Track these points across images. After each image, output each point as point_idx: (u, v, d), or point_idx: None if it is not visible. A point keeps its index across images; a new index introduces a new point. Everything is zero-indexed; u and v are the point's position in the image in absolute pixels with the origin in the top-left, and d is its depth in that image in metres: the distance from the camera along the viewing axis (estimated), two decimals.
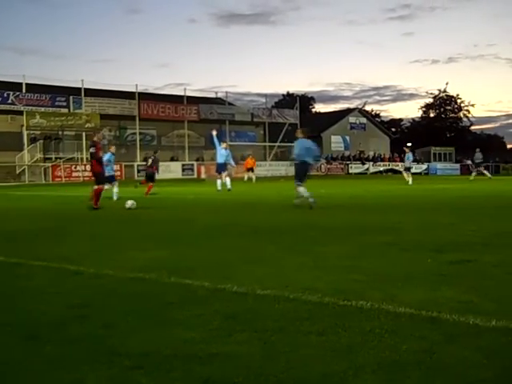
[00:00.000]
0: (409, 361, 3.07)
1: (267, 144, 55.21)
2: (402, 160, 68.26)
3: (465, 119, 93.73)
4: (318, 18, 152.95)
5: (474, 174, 40.08)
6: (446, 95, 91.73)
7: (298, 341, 3.48)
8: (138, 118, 47.29)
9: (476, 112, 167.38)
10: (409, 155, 31.86)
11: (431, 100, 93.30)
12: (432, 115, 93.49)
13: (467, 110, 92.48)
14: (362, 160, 64.42)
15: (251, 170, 39.24)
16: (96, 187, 14.40)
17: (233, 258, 6.70)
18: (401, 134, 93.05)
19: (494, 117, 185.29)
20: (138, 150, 47.02)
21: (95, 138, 16.25)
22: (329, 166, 59.77)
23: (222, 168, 24.48)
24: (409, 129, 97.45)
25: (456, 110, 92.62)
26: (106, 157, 18.73)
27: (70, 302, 4.59)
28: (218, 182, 24.06)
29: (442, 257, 6.32)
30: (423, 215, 11.73)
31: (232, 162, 26.16)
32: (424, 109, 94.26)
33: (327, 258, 6.51)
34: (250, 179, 37.45)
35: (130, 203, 14.18)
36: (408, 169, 31.44)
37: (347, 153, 68.49)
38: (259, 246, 7.67)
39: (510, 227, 9.22)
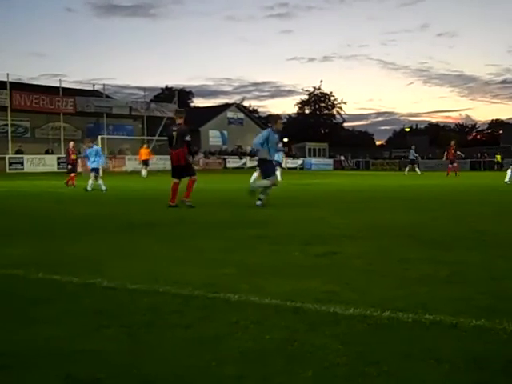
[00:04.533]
0: (271, 349, 3.18)
1: (145, 138, 54.52)
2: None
3: (338, 116, 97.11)
4: (198, 13, 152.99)
5: (416, 169, 41.32)
6: (321, 92, 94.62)
7: (165, 334, 3.50)
8: (9, 109, 45.34)
9: (348, 109, 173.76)
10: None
11: (307, 97, 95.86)
12: (307, 111, 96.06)
13: (340, 108, 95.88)
14: (240, 155, 65.11)
15: (146, 162, 35.43)
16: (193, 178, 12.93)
17: (105, 252, 6.62)
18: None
19: (365, 114, 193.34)
20: (10, 143, 45.15)
21: (179, 121, 13.17)
22: (207, 161, 59.93)
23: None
24: (285, 124, 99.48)
25: (330, 107, 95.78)
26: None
27: None
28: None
29: (309, 249, 6.55)
30: (296, 209, 12.08)
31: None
32: (300, 105, 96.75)
33: (200, 251, 6.57)
34: (145, 172, 34.22)
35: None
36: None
37: (225, 147, 69.04)
38: (133, 240, 7.62)
39: (373, 220, 9.67)
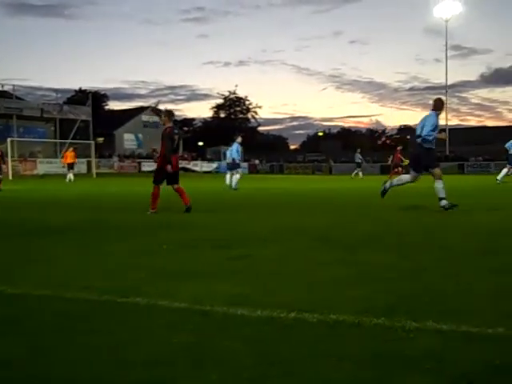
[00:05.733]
0: (179, 353, 3.19)
1: (58, 141, 53.26)
2: (195, 158, 69.87)
3: (253, 120, 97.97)
4: (115, 15, 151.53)
5: (359, 172, 41.40)
6: (236, 97, 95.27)
7: (72, 341, 3.45)
8: None
9: (263, 113, 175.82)
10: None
11: (222, 101, 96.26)
12: (223, 115, 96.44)
13: (255, 112, 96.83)
14: (155, 158, 64.60)
15: (71, 166, 33.81)
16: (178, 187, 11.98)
17: (13, 258, 6.45)
18: (193, 133, 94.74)
19: (279, 119, 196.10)
20: None
21: (171, 124, 12.10)
22: (121, 164, 59.16)
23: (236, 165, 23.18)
24: (201, 128, 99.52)
25: (245, 111, 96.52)
26: None
27: None
28: (234, 178, 22.92)
29: (223, 253, 6.58)
30: (212, 213, 12.12)
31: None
32: (215, 109, 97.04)
33: (112, 256, 6.50)
34: (70, 179, 32.72)
35: None
36: None
37: (140, 151, 68.33)
38: (43, 245, 7.46)
39: (287, 223, 9.82)
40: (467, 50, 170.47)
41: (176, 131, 12.19)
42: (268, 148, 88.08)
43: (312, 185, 28.53)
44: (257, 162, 73.84)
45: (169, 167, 11.64)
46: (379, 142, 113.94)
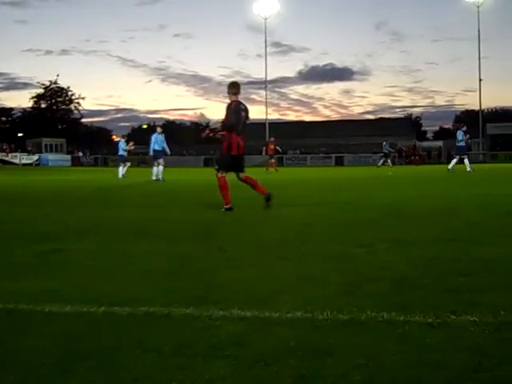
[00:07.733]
0: None
1: None
2: (14, 150, 66.48)
3: (76, 111, 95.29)
4: None
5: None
6: (58, 87, 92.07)
7: None
8: None
9: (87, 105, 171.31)
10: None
11: (43, 91, 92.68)
12: (44, 106, 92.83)
13: (78, 103, 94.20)
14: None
15: None
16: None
17: None
18: (12, 124, 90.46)
19: (104, 110, 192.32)
20: None
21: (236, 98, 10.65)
22: None
23: (159, 155, 23.37)
24: (20, 118, 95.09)
25: (67, 102, 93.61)
26: None
27: None
28: (155, 169, 23.25)
29: (35, 247, 6.36)
30: (30, 207, 11.67)
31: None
32: (35, 99, 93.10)
33: None
34: None
35: None
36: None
37: None
38: None
39: (104, 216, 9.69)
40: (286, 48, 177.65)
41: (243, 107, 10.72)
42: (92, 140, 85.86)
43: (139, 178, 28.24)
44: (80, 154, 71.80)
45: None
46: (203, 135, 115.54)
